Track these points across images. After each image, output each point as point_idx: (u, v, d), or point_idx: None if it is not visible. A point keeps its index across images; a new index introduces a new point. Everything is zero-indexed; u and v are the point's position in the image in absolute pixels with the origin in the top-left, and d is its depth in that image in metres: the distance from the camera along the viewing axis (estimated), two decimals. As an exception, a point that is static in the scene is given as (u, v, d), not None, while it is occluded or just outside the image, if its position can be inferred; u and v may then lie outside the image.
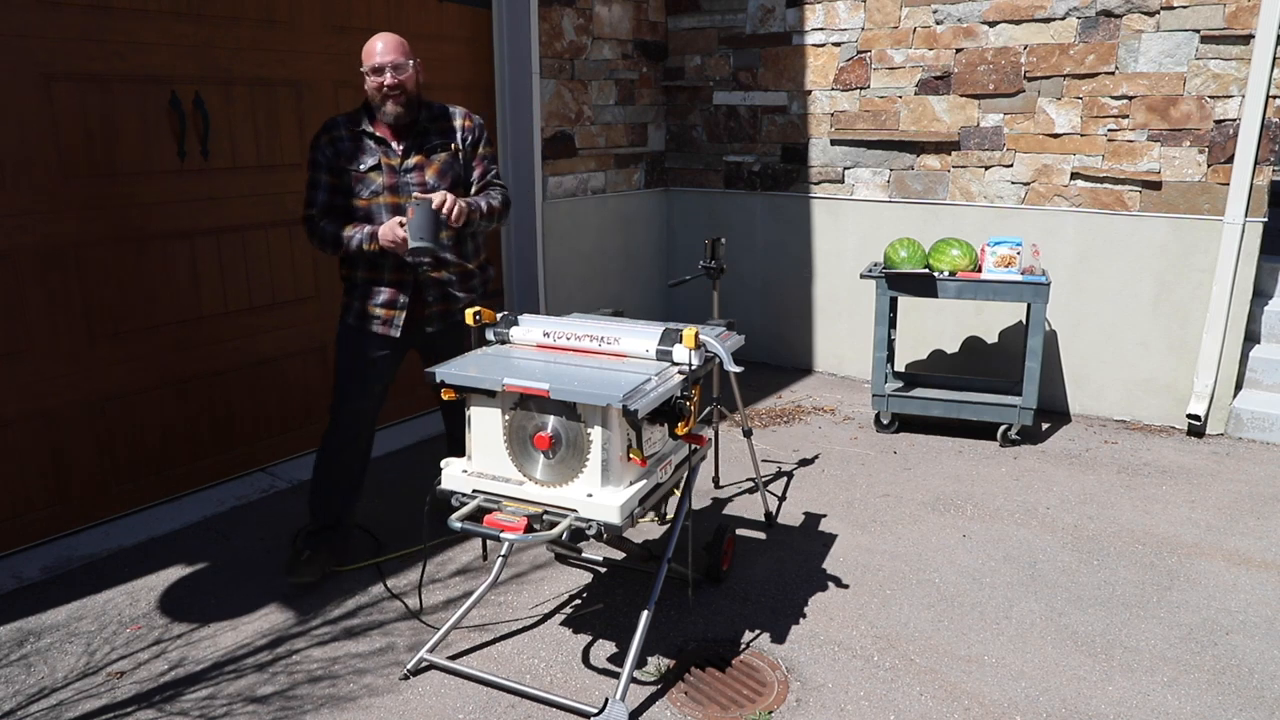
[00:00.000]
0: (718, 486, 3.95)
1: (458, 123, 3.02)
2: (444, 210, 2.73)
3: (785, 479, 4.05)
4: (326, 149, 2.90)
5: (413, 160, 2.90)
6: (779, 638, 2.79)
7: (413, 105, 2.90)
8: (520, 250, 5.03)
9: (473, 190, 3.04)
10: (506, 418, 2.34)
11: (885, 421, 4.63)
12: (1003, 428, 4.44)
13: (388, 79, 2.81)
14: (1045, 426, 4.72)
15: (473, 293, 3.10)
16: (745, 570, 3.21)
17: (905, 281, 4.40)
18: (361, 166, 2.87)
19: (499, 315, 2.66)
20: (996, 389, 4.61)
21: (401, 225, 2.72)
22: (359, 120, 2.94)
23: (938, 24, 4.86)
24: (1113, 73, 4.48)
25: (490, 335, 2.68)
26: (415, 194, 2.78)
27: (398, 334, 2.98)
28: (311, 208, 2.92)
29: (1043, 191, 4.78)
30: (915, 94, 5.00)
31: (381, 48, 2.84)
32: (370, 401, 3.10)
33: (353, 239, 2.85)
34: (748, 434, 3.63)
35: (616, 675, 2.55)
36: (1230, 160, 4.29)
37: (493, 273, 3.22)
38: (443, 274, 3.00)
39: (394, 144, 2.89)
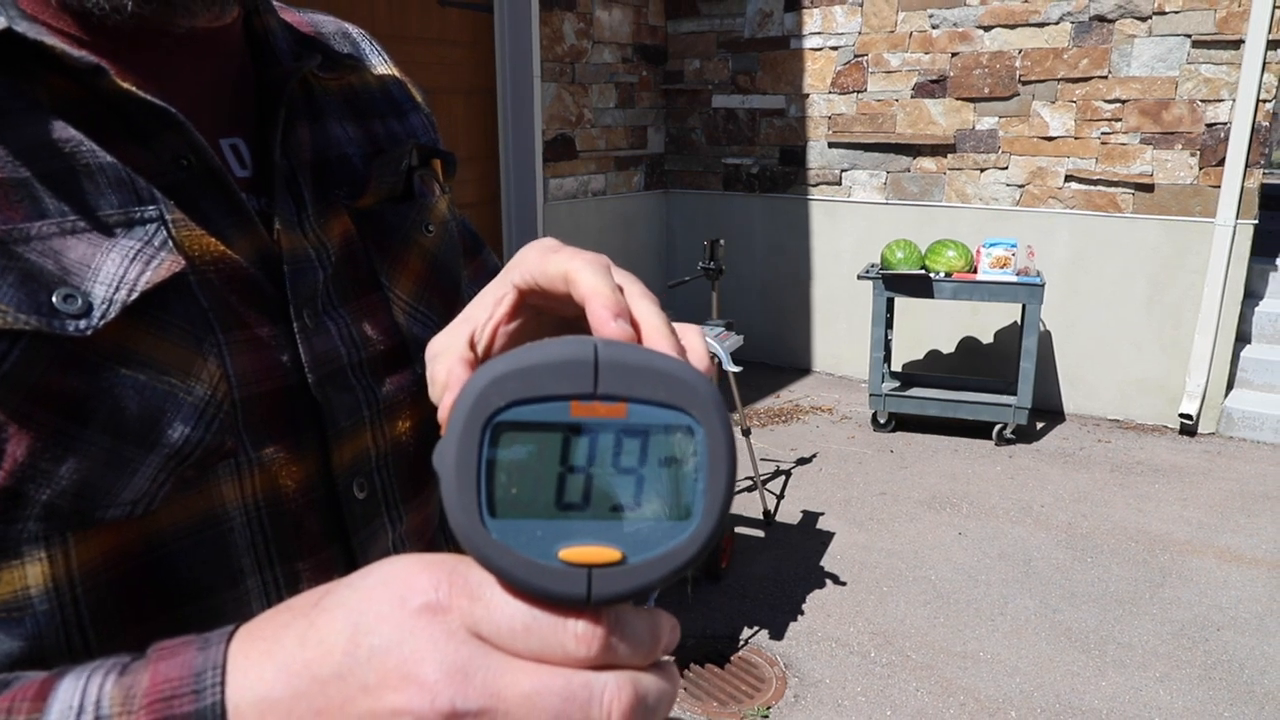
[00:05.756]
0: (717, 486, 3.99)
1: (403, 90, 0.69)
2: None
3: (783, 478, 4.10)
4: None
5: (335, 232, 0.57)
6: (777, 634, 2.83)
7: None
8: (521, 252, 5.07)
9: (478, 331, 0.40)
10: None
11: (882, 421, 4.67)
12: (998, 427, 4.49)
13: None
14: (1040, 426, 4.77)
15: None
16: (744, 568, 3.25)
17: (902, 282, 4.45)
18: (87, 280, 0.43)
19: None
20: (992, 389, 4.66)
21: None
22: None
23: (933, 28, 4.91)
24: (1106, 77, 4.54)
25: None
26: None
27: None
28: None
29: (1037, 194, 4.83)
30: (911, 97, 5.05)
31: None
32: None
33: None
34: (746, 433, 3.68)
35: (619, 671, 2.59)
36: (1221, 163, 4.34)
37: None
38: None
39: (228, 142, 0.54)
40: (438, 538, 0.63)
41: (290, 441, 0.50)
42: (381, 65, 0.68)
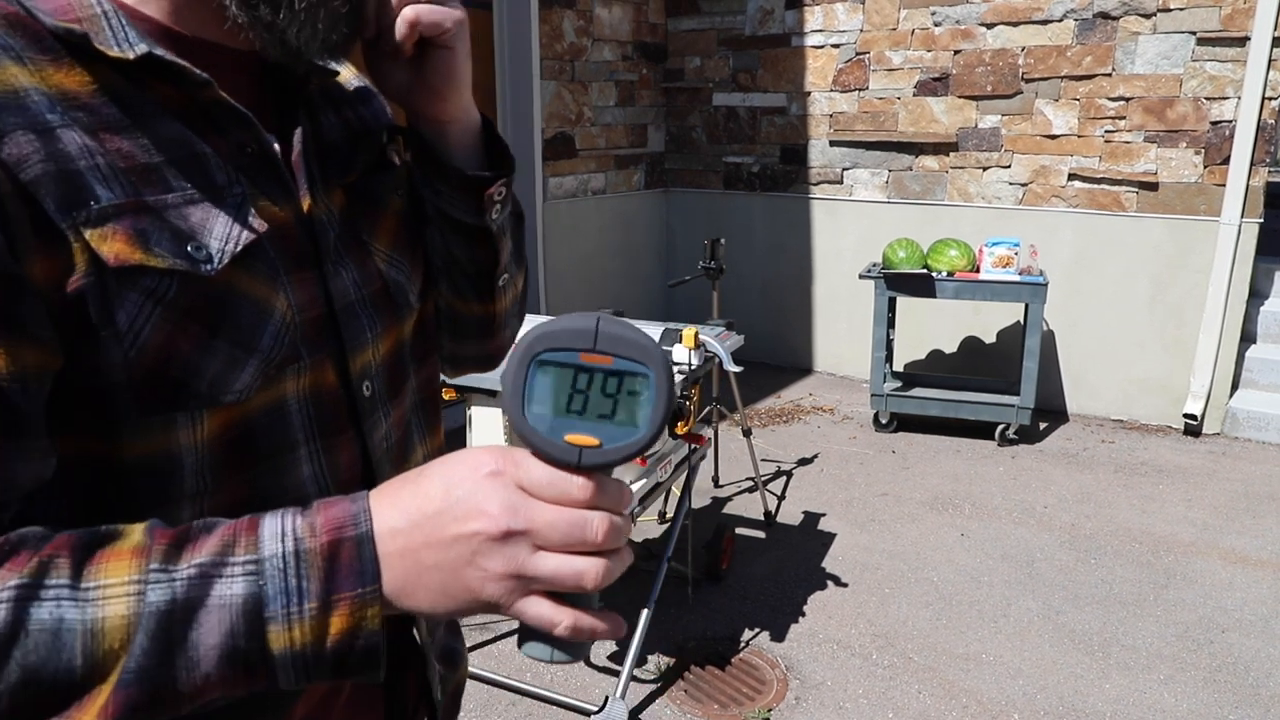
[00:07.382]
0: (717, 486, 3.97)
1: (356, 81, 0.81)
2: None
3: (784, 478, 4.07)
4: None
5: (336, 202, 0.72)
6: (778, 636, 2.81)
7: None
8: (520, 251, 5.05)
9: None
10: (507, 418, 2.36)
11: (884, 421, 4.65)
12: (1000, 427, 4.46)
13: None
14: (1043, 426, 4.74)
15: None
16: (745, 569, 3.23)
17: (904, 282, 4.42)
18: (206, 227, 0.59)
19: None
20: (994, 389, 4.63)
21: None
22: (110, 31, 0.57)
23: (936, 26, 4.89)
24: (1109, 74, 4.51)
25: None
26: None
27: None
28: None
29: (1040, 192, 4.80)
30: (913, 95, 5.02)
31: None
32: None
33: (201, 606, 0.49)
34: (747, 433, 3.65)
35: (617, 673, 2.57)
36: (1226, 161, 4.31)
37: None
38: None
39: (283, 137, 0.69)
40: (409, 430, 0.80)
41: (324, 354, 0.68)
42: (338, 64, 0.81)
